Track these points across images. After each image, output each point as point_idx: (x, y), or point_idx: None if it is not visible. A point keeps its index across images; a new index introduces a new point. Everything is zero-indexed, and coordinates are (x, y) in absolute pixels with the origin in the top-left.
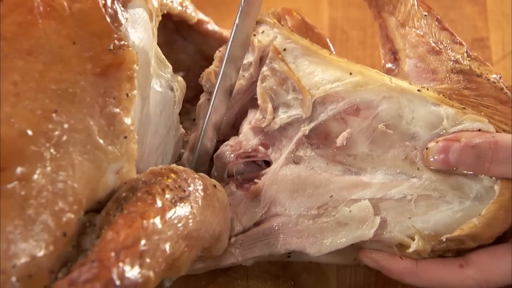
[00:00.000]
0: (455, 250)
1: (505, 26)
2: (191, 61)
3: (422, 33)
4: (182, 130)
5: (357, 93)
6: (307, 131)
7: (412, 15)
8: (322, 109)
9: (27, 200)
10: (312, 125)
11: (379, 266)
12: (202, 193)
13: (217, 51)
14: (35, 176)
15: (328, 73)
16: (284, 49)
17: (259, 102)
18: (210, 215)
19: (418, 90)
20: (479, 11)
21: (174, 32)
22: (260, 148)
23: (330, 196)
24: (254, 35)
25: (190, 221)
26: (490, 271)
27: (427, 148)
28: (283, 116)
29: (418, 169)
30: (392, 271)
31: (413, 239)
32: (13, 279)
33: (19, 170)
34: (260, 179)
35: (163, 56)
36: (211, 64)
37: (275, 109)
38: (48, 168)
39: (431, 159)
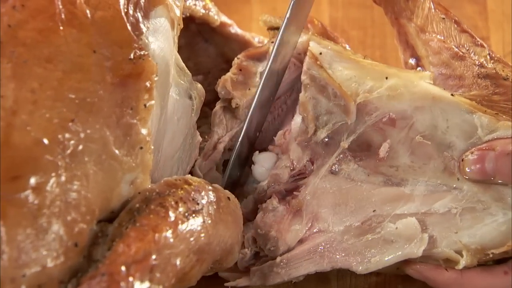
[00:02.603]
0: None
1: (505, 26)
2: (211, 64)
3: (443, 38)
4: (199, 137)
5: (390, 103)
6: (347, 145)
7: (430, 19)
8: (360, 118)
9: (40, 210)
10: (351, 138)
11: (423, 277)
12: (215, 206)
13: (235, 58)
14: (49, 186)
15: (364, 78)
16: (320, 53)
17: (299, 111)
18: (222, 229)
19: (452, 95)
20: (479, 11)
21: (196, 34)
22: (308, 163)
23: (373, 211)
24: (272, 42)
25: (202, 235)
26: None
27: (462, 160)
28: (328, 126)
29: (458, 179)
30: (437, 282)
31: (460, 254)
32: None
33: (33, 179)
34: (299, 191)
35: (183, 64)
36: (231, 67)
37: (317, 117)
38: (62, 178)
39: (468, 170)
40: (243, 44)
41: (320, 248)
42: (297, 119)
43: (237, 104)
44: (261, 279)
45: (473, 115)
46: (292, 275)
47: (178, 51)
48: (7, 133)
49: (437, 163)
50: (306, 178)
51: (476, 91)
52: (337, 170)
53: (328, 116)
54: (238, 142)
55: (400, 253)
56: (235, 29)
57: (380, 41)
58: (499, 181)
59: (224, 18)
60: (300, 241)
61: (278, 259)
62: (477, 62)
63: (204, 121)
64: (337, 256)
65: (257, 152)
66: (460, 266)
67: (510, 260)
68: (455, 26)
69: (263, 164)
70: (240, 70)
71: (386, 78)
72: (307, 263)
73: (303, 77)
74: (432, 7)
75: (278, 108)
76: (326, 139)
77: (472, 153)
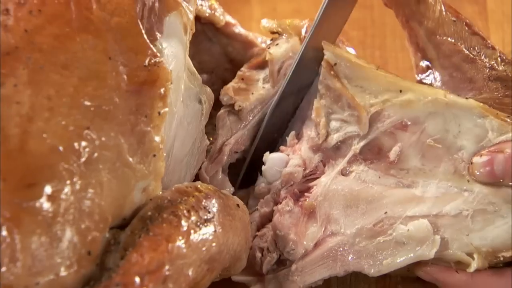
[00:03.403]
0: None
1: (505, 26)
2: (215, 63)
3: (453, 41)
4: (207, 141)
5: (403, 110)
6: (358, 150)
7: (441, 22)
8: (372, 125)
9: (55, 218)
10: (363, 143)
11: (434, 279)
12: (226, 214)
13: (238, 71)
14: (64, 194)
15: (378, 90)
16: (335, 64)
17: (313, 116)
18: (232, 236)
19: (466, 98)
20: (479, 11)
21: (200, 33)
22: (320, 165)
23: (385, 213)
24: (269, 47)
25: (214, 244)
26: None
27: (471, 162)
28: (340, 133)
29: (468, 181)
30: (448, 284)
31: (471, 256)
32: None
33: (48, 186)
34: (310, 193)
35: (194, 69)
36: (235, 67)
37: (329, 124)
38: (77, 186)
39: (477, 173)
40: (246, 44)
41: (333, 252)
42: (309, 123)
43: (239, 106)
44: (276, 287)
45: (485, 119)
46: (307, 282)
47: None
48: (23, 140)
49: (448, 165)
50: (317, 179)
51: (487, 93)
52: (348, 171)
53: (340, 124)
54: (256, 142)
55: (412, 255)
56: (238, 29)
57: (380, 41)
58: (510, 183)
59: (229, 18)
60: (316, 244)
61: (294, 266)
62: (487, 64)
63: (208, 121)
64: (350, 259)
65: (267, 152)
66: (472, 269)
67: None
68: (466, 28)
69: (274, 164)
70: (242, 79)
71: (400, 91)
72: (321, 268)
73: (319, 86)
74: (443, 9)
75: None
76: (338, 144)
77: (481, 155)
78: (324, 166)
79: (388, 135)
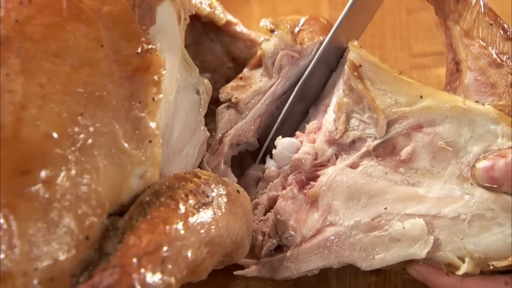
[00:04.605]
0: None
1: None
2: (218, 62)
3: (485, 44)
4: (207, 133)
5: (421, 113)
6: (372, 147)
7: (477, 24)
8: (390, 128)
9: (51, 203)
10: (378, 141)
11: (424, 278)
12: (225, 199)
13: (239, 74)
14: (59, 179)
15: (399, 95)
16: (360, 66)
17: (334, 109)
18: (232, 221)
19: (483, 104)
20: None
21: (202, 33)
22: (333, 157)
23: (385, 208)
24: (260, 44)
25: (213, 227)
26: None
27: (474, 165)
28: (357, 132)
29: (471, 184)
30: (437, 285)
31: (463, 260)
32: (35, 281)
33: (43, 173)
34: (316, 181)
35: (190, 59)
36: (238, 65)
37: (349, 121)
38: (73, 171)
39: (478, 176)
40: (249, 43)
41: (329, 242)
42: (328, 117)
43: (236, 98)
44: (270, 271)
45: (498, 125)
46: (301, 270)
47: None
48: (16, 128)
49: (454, 168)
50: (325, 169)
51: (505, 100)
52: (356, 164)
53: (359, 123)
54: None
55: (404, 252)
56: (240, 27)
57: (379, 41)
58: (509, 190)
59: (230, 17)
60: (314, 233)
61: (289, 253)
62: None
63: (212, 118)
64: (344, 251)
65: (280, 136)
66: (460, 272)
67: None
68: (501, 33)
69: (285, 149)
70: (241, 78)
71: (421, 97)
72: (316, 257)
73: (343, 86)
74: (483, 10)
75: None
76: (354, 139)
77: (484, 159)
78: (337, 158)
79: (403, 135)
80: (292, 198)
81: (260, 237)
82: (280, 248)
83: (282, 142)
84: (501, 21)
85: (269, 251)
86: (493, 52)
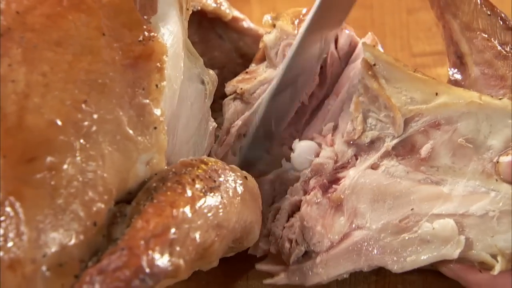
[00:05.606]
0: None
1: None
2: (226, 59)
3: (487, 36)
4: (214, 124)
5: (437, 110)
6: (391, 147)
7: (476, 15)
8: (407, 126)
9: (57, 190)
10: (396, 140)
11: (457, 276)
12: (232, 184)
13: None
14: (65, 166)
15: (415, 92)
16: (374, 64)
17: (351, 109)
18: (241, 206)
19: (500, 99)
20: None
21: (209, 29)
22: (353, 158)
23: (411, 209)
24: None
25: (220, 211)
26: None
27: (497, 161)
28: (374, 131)
29: (496, 180)
30: (470, 282)
31: (495, 258)
32: (44, 268)
33: (48, 159)
34: (338, 185)
35: (194, 50)
36: (246, 61)
37: (366, 121)
38: (78, 158)
39: (502, 171)
40: (257, 38)
41: (358, 246)
42: (345, 116)
43: (241, 89)
44: (300, 278)
45: None
46: (331, 275)
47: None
48: (20, 116)
49: (477, 164)
50: (346, 171)
51: None
52: (377, 165)
53: (376, 122)
54: (258, 121)
55: (436, 253)
56: (248, 23)
57: (379, 41)
58: None
59: (236, 13)
60: (342, 238)
61: (318, 258)
62: None
63: (220, 114)
64: (374, 254)
65: (297, 140)
66: (496, 272)
67: None
68: (500, 23)
69: (303, 152)
70: (247, 72)
71: (436, 94)
72: (345, 261)
73: (359, 86)
74: (479, 2)
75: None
76: (372, 139)
77: (507, 154)
78: (357, 159)
79: (421, 133)
80: (316, 203)
81: (287, 244)
82: (307, 254)
83: (300, 146)
84: (498, 11)
85: (297, 258)
86: (496, 43)
